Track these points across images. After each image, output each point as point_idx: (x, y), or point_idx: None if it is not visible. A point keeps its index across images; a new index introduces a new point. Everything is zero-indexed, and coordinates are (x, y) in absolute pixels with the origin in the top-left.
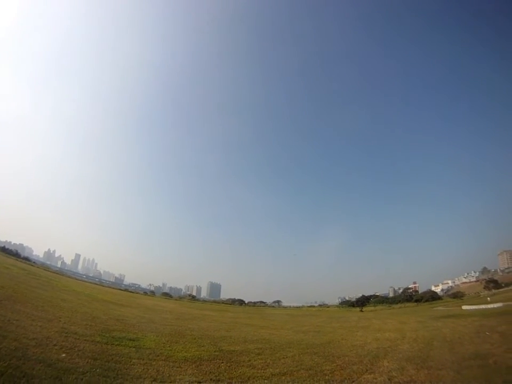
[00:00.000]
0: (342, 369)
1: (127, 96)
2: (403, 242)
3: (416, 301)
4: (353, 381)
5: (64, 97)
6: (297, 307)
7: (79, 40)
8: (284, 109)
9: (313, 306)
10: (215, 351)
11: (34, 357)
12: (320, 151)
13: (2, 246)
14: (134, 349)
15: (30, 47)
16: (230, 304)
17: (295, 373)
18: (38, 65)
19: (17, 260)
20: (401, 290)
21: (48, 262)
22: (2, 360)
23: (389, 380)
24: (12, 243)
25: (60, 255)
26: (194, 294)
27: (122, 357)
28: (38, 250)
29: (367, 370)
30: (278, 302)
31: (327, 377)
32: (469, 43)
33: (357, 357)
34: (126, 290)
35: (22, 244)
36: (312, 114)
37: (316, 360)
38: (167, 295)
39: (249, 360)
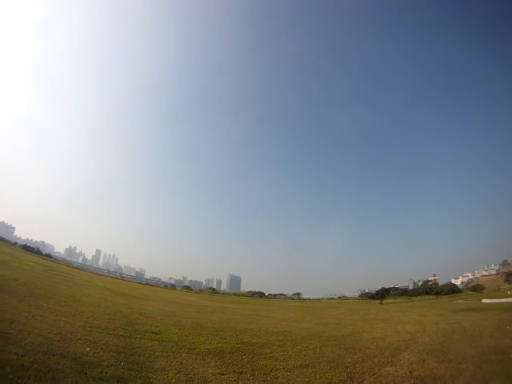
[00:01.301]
0: (363, 362)
1: (143, 95)
2: (423, 234)
3: (436, 293)
4: (374, 374)
5: (86, 99)
6: (317, 299)
7: (96, 39)
8: (296, 103)
9: (333, 299)
10: (237, 343)
11: (59, 352)
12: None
13: (24, 244)
14: (157, 342)
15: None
16: (250, 296)
17: (316, 365)
18: (57, 68)
19: (39, 257)
20: (421, 283)
21: (69, 258)
22: (27, 356)
23: (409, 372)
24: (33, 241)
25: (81, 251)
26: (214, 287)
27: (146, 350)
28: (59, 247)
29: (388, 363)
30: (298, 294)
31: (348, 369)
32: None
33: (378, 349)
34: (147, 284)
35: (43, 241)
36: (325, 110)
37: (337, 352)
38: (187, 288)
39: (271, 352)
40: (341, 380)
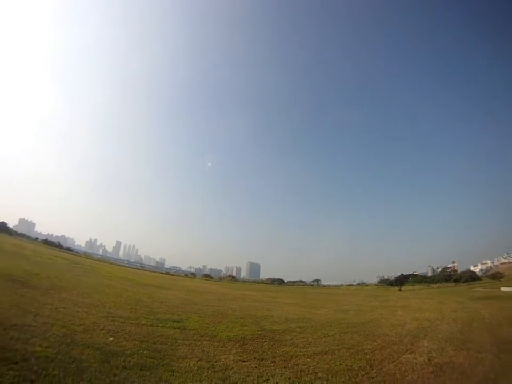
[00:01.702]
0: (382, 349)
1: (157, 91)
2: (443, 220)
3: (455, 281)
4: (393, 361)
5: (102, 99)
6: (336, 286)
7: (109, 39)
8: (309, 97)
9: (352, 285)
10: (257, 330)
11: (82, 342)
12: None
13: (45, 239)
14: (178, 330)
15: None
16: (270, 283)
17: (336, 351)
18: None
19: (60, 251)
20: (439, 270)
21: (90, 251)
22: (51, 347)
23: (428, 360)
24: (54, 235)
25: (101, 243)
26: (234, 274)
27: (167, 338)
28: (80, 241)
29: (407, 350)
30: (317, 281)
31: (368, 356)
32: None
33: (397, 336)
34: (167, 273)
35: (63, 236)
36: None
37: (356, 339)
38: (207, 277)
39: (292, 339)
40: (360, 366)
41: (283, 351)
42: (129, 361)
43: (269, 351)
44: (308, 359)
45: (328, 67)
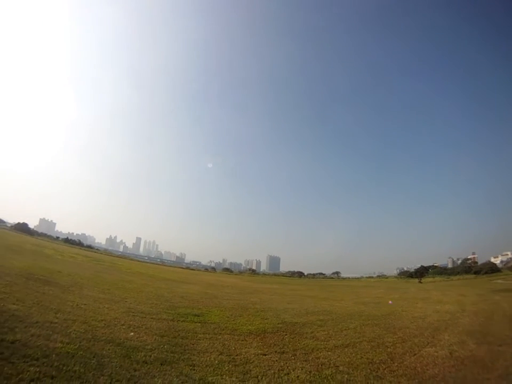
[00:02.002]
0: (403, 342)
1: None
2: (463, 210)
3: (475, 272)
4: (414, 354)
5: (120, 96)
6: (356, 278)
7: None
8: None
9: (372, 277)
10: (278, 324)
11: (103, 338)
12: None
13: (66, 237)
14: (199, 324)
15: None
16: (290, 276)
17: (357, 344)
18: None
19: (81, 249)
20: (460, 261)
21: (110, 248)
22: (72, 343)
23: (450, 354)
24: (75, 234)
25: (122, 240)
26: (254, 268)
27: (188, 333)
28: (100, 238)
29: (428, 343)
30: (337, 273)
31: (389, 349)
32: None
33: (418, 329)
34: (187, 268)
35: (84, 234)
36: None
37: (377, 331)
38: (227, 271)
39: (312, 332)
40: (381, 360)
41: (304, 344)
42: (150, 356)
43: (289, 344)
44: (329, 352)
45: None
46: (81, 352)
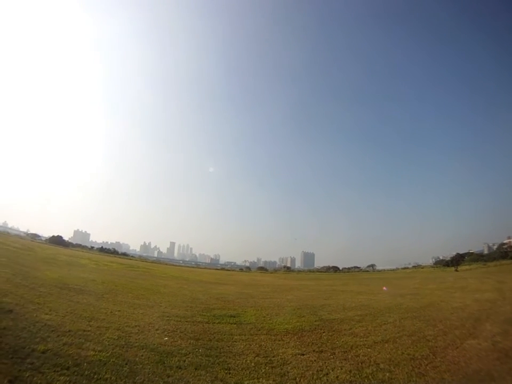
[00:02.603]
0: (444, 334)
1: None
2: (495, 193)
3: None
4: (457, 347)
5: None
6: (391, 270)
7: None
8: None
9: (407, 268)
10: (315, 321)
11: (136, 344)
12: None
13: (100, 247)
14: (235, 325)
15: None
16: (325, 272)
17: (397, 339)
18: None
19: (115, 257)
20: (495, 247)
21: (145, 254)
22: (104, 351)
23: (493, 345)
24: (109, 243)
25: (156, 246)
26: (288, 265)
27: (224, 335)
28: (134, 245)
29: (470, 335)
30: (372, 266)
31: (430, 343)
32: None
33: (458, 320)
34: (222, 269)
35: (118, 242)
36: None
37: (417, 325)
38: (262, 269)
39: (350, 328)
40: (423, 355)
41: (342, 341)
42: (184, 361)
43: (327, 342)
44: (368, 349)
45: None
46: (114, 360)
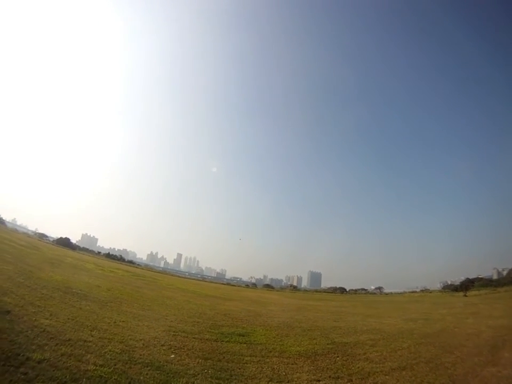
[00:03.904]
0: (462, 362)
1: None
2: (505, 218)
3: None
4: (477, 375)
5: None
6: (398, 293)
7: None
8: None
9: (415, 292)
10: (327, 344)
11: (141, 360)
12: None
13: (107, 252)
14: (245, 345)
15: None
16: (331, 292)
17: (414, 366)
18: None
19: (121, 264)
20: (505, 272)
21: (151, 263)
22: (106, 366)
23: None
24: (116, 249)
25: (163, 256)
26: (295, 284)
27: (234, 355)
28: (141, 254)
29: (488, 362)
30: (380, 288)
31: (449, 371)
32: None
33: (475, 347)
34: (228, 284)
35: (125, 249)
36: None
37: (433, 351)
38: (268, 287)
39: (365, 353)
40: (443, 383)
41: (358, 367)
42: (193, 382)
43: (343, 367)
44: (387, 376)
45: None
46: (116, 377)
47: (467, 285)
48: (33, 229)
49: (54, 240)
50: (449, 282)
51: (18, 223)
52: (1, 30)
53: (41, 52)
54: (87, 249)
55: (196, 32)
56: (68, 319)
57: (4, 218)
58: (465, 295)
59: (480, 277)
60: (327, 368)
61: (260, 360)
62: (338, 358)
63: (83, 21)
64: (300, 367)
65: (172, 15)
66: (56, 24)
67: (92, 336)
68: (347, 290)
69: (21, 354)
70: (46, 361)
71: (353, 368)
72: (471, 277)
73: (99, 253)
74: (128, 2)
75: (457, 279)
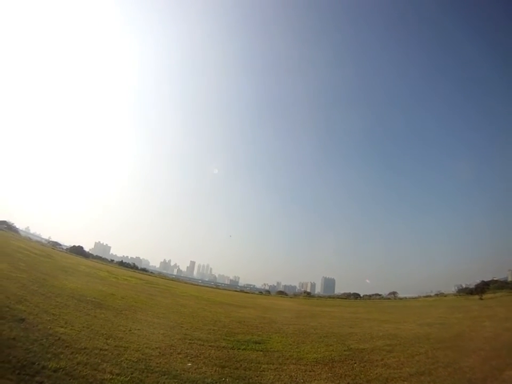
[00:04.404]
0: (481, 365)
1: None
2: None
3: None
4: (496, 379)
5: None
6: (413, 298)
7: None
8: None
9: (430, 296)
10: (344, 350)
11: (157, 368)
12: None
13: (120, 260)
14: (261, 352)
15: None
16: (345, 298)
17: (433, 371)
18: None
19: (135, 272)
20: None
21: (164, 271)
22: (123, 374)
23: None
24: (129, 257)
25: (176, 264)
26: (308, 290)
27: (251, 363)
28: (154, 261)
29: (507, 365)
30: (394, 293)
31: (468, 375)
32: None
33: (493, 350)
34: (241, 291)
35: (138, 257)
36: None
37: (450, 356)
38: (282, 293)
39: (382, 359)
40: None
41: (376, 373)
42: None
43: (361, 374)
44: (405, 382)
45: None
46: None
47: (482, 288)
48: (47, 237)
49: (67, 248)
50: (464, 286)
51: (31, 231)
52: (21, 42)
53: (55, 65)
54: (100, 257)
55: (204, 36)
56: (83, 327)
57: (17, 227)
58: (481, 298)
59: (495, 279)
60: (345, 375)
61: (277, 368)
62: (355, 365)
63: (99, 34)
64: (318, 374)
65: (183, 28)
66: (73, 38)
67: (108, 344)
68: (361, 296)
69: (36, 363)
70: (61, 370)
71: (371, 374)
72: (486, 279)
73: (112, 261)
74: (140, 12)
75: (472, 282)
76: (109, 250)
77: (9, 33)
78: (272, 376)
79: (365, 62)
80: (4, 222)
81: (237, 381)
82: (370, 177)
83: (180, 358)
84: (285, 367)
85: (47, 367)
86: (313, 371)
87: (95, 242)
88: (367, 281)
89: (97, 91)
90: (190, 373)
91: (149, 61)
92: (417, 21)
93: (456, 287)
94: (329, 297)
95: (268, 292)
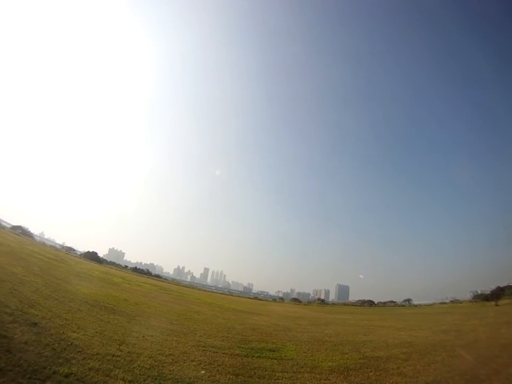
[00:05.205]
0: (498, 373)
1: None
2: None
3: None
4: None
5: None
6: (428, 305)
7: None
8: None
9: (445, 303)
10: (359, 359)
11: (171, 376)
12: None
13: (134, 266)
14: (275, 360)
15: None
16: (360, 305)
17: (449, 379)
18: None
19: (149, 278)
20: None
21: (178, 278)
22: (136, 382)
23: None
24: (143, 263)
25: (189, 270)
26: (322, 297)
27: (265, 371)
28: (168, 268)
29: None
30: (409, 300)
31: (484, 383)
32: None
33: (510, 358)
34: (255, 298)
35: (152, 264)
36: None
37: (467, 363)
38: (296, 301)
39: (398, 368)
40: None
41: (392, 382)
42: None
43: (377, 383)
44: None
45: None
46: None
47: (498, 294)
48: (61, 243)
49: (81, 254)
50: (479, 292)
51: (46, 236)
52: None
53: (70, 72)
54: (114, 263)
55: (218, 42)
56: (96, 332)
57: (32, 232)
58: (497, 304)
59: (511, 284)
60: None
61: (291, 376)
62: (371, 373)
63: (119, 44)
64: (333, 382)
65: (196, 33)
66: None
67: (120, 350)
68: (375, 303)
69: (48, 368)
70: (73, 375)
71: (387, 383)
72: (501, 285)
73: (126, 267)
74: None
75: (488, 288)
76: (123, 257)
77: (27, 37)
78: None
79: (372, 65)
80: (19, 227)
81: None
82: (382, 184)
83: (193, 365)
84: (300, 376)
85: (59, 372)
86: (329, 379)
87: (109, 248)
88: (361, 276)
89: (114, 101)
90: (204, 381)
91: (163, 67)
92: (423, 22)
93: (471, 294)
94: (344, 304)
95: (282, 299)
